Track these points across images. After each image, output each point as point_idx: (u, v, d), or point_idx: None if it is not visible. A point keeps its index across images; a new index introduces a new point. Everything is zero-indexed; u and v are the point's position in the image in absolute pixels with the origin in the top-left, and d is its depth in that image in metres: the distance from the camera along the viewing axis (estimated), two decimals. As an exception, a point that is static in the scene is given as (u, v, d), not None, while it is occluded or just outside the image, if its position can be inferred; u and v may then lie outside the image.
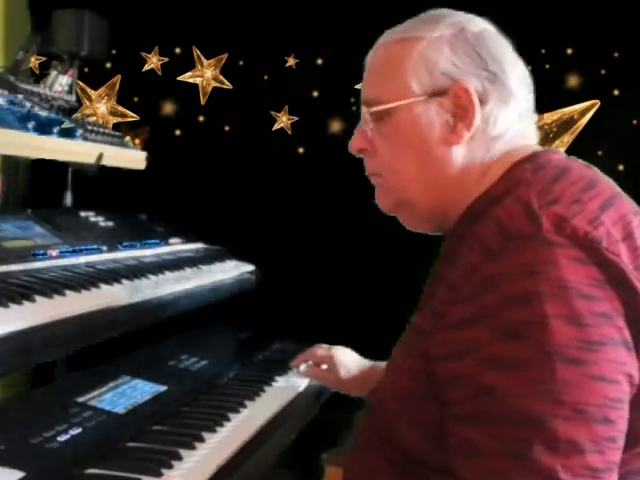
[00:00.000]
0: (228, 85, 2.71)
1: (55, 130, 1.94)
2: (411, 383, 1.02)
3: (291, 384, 1.78)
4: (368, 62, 1.19)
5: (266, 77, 2.72)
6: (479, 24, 1.10)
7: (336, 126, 2.66)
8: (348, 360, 1.66)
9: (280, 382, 1.78)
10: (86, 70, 2.64)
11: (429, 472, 1.01)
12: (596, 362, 0.86)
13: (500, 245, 0.93)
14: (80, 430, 1.34)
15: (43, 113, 2.05)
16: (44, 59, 2.44)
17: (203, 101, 2.73)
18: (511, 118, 1.07)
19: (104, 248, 1.89)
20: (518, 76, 1.09)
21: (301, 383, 1.78)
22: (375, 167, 1.15)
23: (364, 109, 1.14)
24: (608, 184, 1.04)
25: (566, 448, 0.84)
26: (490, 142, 1.07)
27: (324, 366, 1.70)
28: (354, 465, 1.18)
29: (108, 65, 2.74)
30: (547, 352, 0.86)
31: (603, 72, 2.46)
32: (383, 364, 1.58)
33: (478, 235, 0.98)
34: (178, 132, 2.79)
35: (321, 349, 1.71)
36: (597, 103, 2.44)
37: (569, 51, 2.48)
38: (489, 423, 0.89)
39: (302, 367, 1.73)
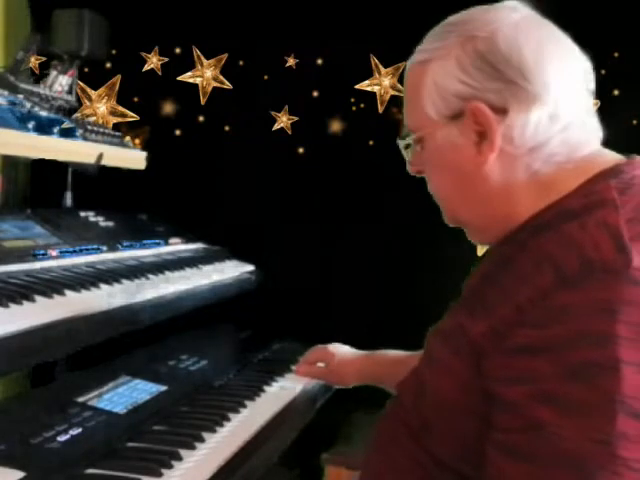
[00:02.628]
0: (228, 85, 2.71)
1: (55, 130, 1.94)
2: (459, 395, 0.96)
3: (291, 384, 1.78)
4: (404, 80, 1.12)
5: (266, 77, 2.72)
6: (491, 24, 1.00)
7: (336, 126, 2.66)
8: (342, 350, 1.69)
9: (280, 382, 1.78)
10: (86, 70, 2.64)
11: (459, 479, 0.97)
12: None
13: (579, 274, 0.86)
14: (80, 430, 1.34)
15: (43, 113, 2.05)
16: (44, 59, 2.45)
17: (203, 101, 2.73)
18: (543, 122, 0.98)
19: (104, 248, 1.89)
20: (550, 73, 0.99)
21: (301, 383, 1.79)
22: (430, 188, 1.12)
23: (405, 134, 1.11)
24: None
25: None
26: (530, 152, 0.99)
27: (321, 364, 1.74)
28: (375, 460, 1.12)
29: (108, 65, 2.74)
30: (611, 400, 0.80)
31: (603, 72, 2.46)
32: (380, 353, 1.61)
33: (548, 252, 0.90)
34: (178, 132, 2.78)
35: (315, 348, 1.76)
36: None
37: (569, 51, 2.47)
38: (530, 460, 0.84)
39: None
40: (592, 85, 1.05)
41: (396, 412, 1.10)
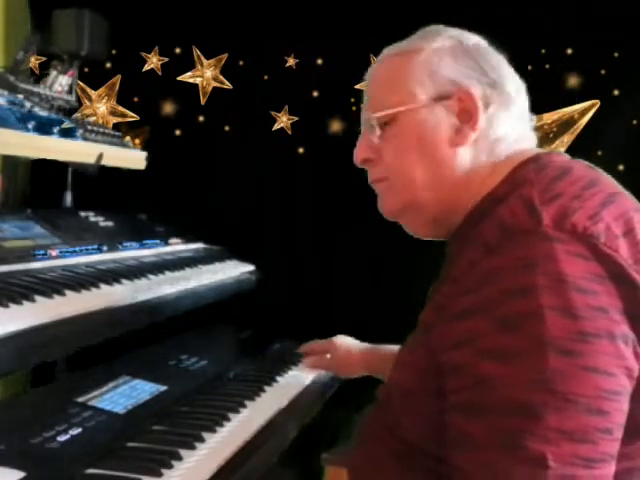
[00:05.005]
0: (228, 85, 2.71)
1: (55, 130, 1.94)
2: (415, 378, 1.05)
3: (291, 384, 1.78)
4: (370, 76, 1.22)
5: (266, 77, 2.72)
6: (473, 38, 1.16)
7: (336, 126, 2.66)
8: (347, 342, 1.79)
9: (280, 382, 1.78)
10: (86, 70, 2.63)
11: (434, 462, 1.02)
12: (590, 354, 0.87)
13: (499, 240, 0.95)
14: (80, 430, 1.34)
15: (43, 113, 2.05)
16: (44, 59, 2.45)
17: (203, 101, 2.73)
18: (512, 121, 1.13)
19: (104, 248, 1.89)
20: (514, 84, 1.15)
21: (301, 382, 1.79)
22: (380, 172, 1.18)
23: (369, 116, 1.18)
24: (610, 182, 1.06)
25: (556, 437, 0.86)
26: (493, 144, 1.11)
27: (327, 355, 1.83)
28: (359, 458, 1.20)
29: (108, 65, 2.73)
30: (540, 342, 0.88)
31: (603, 72, 2.46)
32: (385, 347, 1.69)
33: (481, 233, 1.00)
34: (178, 132, 2.78)
35: (320, 341, 1.86)
36: (597, 103, 2.44)
37: (569, 51, 2.47)
38: (482, 413, 0.91)
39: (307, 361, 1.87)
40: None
41: (375, 413, 1.19)
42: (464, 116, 1.10)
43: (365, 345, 1.78)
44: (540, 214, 0.94)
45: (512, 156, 1.11)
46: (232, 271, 2.17)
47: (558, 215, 0.93)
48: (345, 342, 1.80)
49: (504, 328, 0.90)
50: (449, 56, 1.12)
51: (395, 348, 1.62)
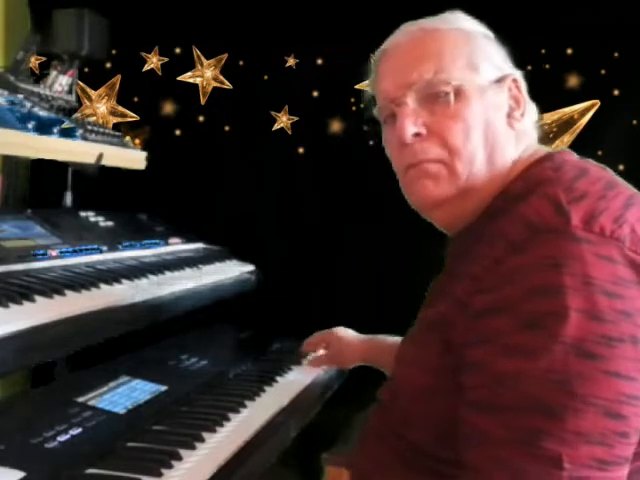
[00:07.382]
0: (228, 85, 2.71)
1: (55, 130, 1.94)
2: (425, 378, 1.04)
3: (291, 384, 1.78)
4: (420, 43, 1.13)
5: (266, 77, 2.72)
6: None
7: (336, 126, 2.66)
8: (345, 333, 1.86)
9: (280, 382, 1.78)
10: (86, 70, 2.63)
11: (440, 465, 1.02)
12: (612, 358, 0.87)
13: (525, 238, 0.94)
14: (80, 430, 1.34)
15: (43, 113, 2.05)
16: (44, 59, 2.45)
17: (203, 101, 2.73)
18: (533, 117, 1.15)
19: (104, 248, 1.89)
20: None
21: (301, 382, 1.79)
22: (435, 151, 1.08)
23: (435, 81, 1.08)
24: (625, 184, 1.06)
25: (573, 438, 0.85)
26: (522, 137, 1.13)
27: (322, 351, 1.91)
28: (361, 459, 1.19)
29: (108, 65, 2.74)
30: (563, 343, 0.87)
31: (603, 72, 2.46)
32: (382, 337, 1.74)
33: (500, 231, 0.98)
34: (178, 132, 2.78)
35: (318, 333, 1.93)
36: (597, 103, 2.44)
37: (569, 51, 2.47)
38: (499, 411, 0.90)
39: (309, 357, 1.94)
40: None
41: (378, 413, 1.19)
42: (513, 102, 1.12)
43: (363, 336, 1.84)
44: (568, 213, 0.93)
45: (525, 154, 1.11)
46: (232, 271, 2.17)
47: (586, 215, 0.92)
48: (344, 333, 1.87)
49: (527, 326, 0.89)
50: (493, 44, 1.14)
51: (391, 339, 1.70)
